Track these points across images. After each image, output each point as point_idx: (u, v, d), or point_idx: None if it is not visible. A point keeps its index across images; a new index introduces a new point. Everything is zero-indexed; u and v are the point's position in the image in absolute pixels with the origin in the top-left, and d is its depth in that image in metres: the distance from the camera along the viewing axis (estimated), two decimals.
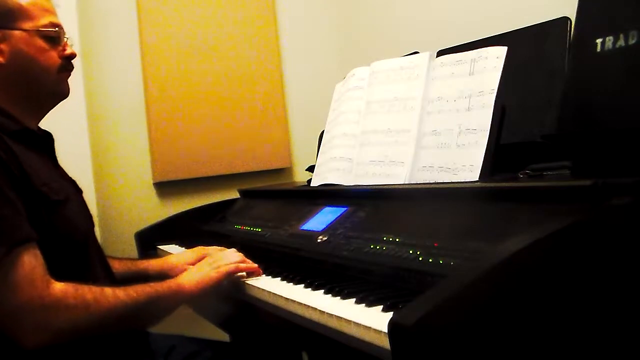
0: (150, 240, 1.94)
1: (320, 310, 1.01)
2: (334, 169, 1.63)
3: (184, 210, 2.10)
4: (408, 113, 1.45)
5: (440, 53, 1.52)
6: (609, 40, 1.08)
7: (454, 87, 1.36)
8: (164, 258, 1.55)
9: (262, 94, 2.57)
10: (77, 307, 1.05)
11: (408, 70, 1.50)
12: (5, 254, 0.99)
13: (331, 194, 1.58)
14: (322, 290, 1.11)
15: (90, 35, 2.30)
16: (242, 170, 2.51)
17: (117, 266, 1.44)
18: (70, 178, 1.34)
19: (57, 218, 1.13)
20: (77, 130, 2.16)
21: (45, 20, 1.23)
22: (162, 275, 1.36)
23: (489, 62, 1.31)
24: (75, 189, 1.32)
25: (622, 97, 1.05)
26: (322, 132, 1.81)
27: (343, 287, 1.08)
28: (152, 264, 1.51)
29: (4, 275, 1.00)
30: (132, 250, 2.00)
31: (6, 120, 1.17)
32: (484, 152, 1.24)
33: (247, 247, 1.51)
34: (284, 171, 2.64)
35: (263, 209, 1.89)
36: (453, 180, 1.28)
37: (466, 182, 1.24)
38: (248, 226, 1.76)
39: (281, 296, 1.14)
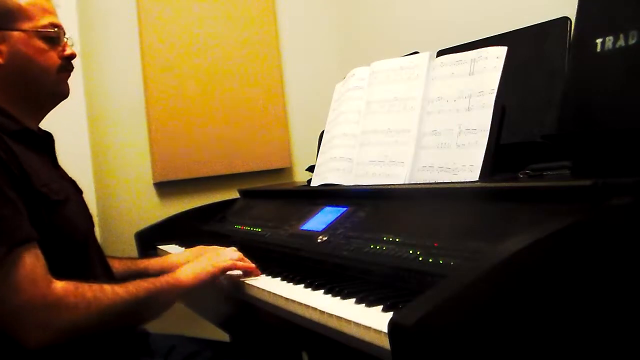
0: (150, 240, 1.94)
1: (320, 310, 1.01)
2: (334, 169, 1.63)
3: (184, 210, 2.10)
4: (408, 113, 1.45)
5: (440, 53, 1.52)
6: (609, 40, 1.08)
7: (454, 87, 1.36)
8: (164, 257, 1.55)
9: (262, 94, 2.57)
10: (78, 306, 1.05)
11: (408, 70, 1.50)
12: (6, 254, 1.00)
13: (331, 194, 1.58)
14: (322, 290, 1.12)
15: (90, 35, 2.29)
16: (242, 170, 2.51)
17: (117, 266, 1.44)
18: (70, 178, 1.34)
19: (57, 218, 1.13)
20: (77, 130, 2.15)
21: (44, 20, 1.23)
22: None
23: (489, 62, 1.31)
24: (75, 189, 1.32)
25: (622, 97, 1.05)
26: (322, 132, 1.81)
27: (343, 287, 1.08)
28: (152, 264, 1.51)
29: (5, 275, 1.00)
30: (132, 250, 2.00)
31: (6, 120, 1.17)
32: (484, 152, 1.24)
33: (247, 247, 1.51)
34: (284, 171, 2.64)
35: (263, 209, 1.89)
36: (453, 180, 1.28)
37: (466, 182, 1.24)
38: (248, 226, 1.76)
39: (281, 296, 1.14)
